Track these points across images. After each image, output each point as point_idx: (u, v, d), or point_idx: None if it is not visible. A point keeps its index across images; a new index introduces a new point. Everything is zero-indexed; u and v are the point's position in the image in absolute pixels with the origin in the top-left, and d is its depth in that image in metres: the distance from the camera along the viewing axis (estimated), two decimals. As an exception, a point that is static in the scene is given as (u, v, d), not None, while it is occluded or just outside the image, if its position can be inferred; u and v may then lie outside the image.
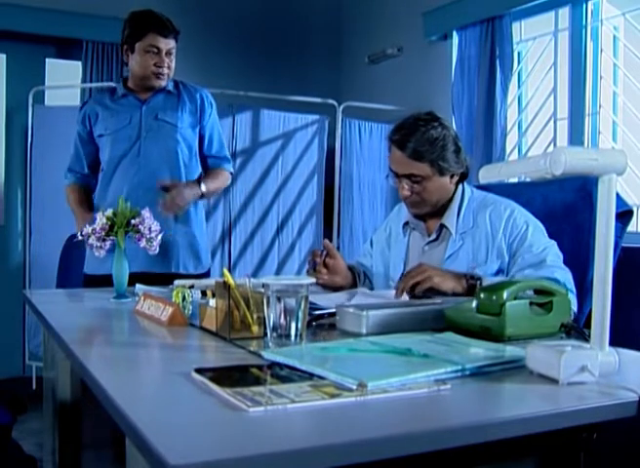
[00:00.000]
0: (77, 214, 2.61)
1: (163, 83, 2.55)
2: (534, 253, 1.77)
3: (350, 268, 2.05)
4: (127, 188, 2.48)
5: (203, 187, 2.54)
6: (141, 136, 2.52)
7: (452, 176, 1.91)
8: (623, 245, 1.91)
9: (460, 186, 1.95)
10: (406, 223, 2.04)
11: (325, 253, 1.96)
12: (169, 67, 2.53)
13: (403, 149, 1.86)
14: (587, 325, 1.16)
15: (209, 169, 2.68)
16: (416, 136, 1.84)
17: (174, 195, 2.44)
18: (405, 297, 1.66)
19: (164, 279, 2.16)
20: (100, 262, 2.34)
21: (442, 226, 1.93)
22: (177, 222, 2.55)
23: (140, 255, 2.33)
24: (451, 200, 1.93)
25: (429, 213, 1.95)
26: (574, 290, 1.71)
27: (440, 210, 1.93)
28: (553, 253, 1.78)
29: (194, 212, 2.62)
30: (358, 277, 2.07)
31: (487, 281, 1.68)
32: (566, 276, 1.73)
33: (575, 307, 1.66)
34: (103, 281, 2.24)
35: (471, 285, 1.68)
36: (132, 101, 2.57)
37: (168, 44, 2.50)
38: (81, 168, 2.65)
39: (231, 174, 2.75)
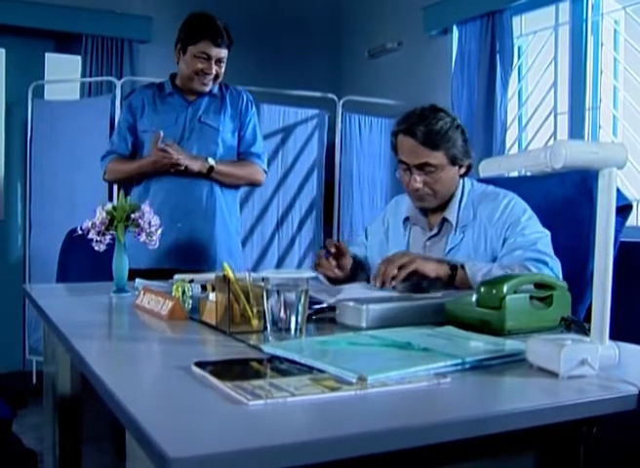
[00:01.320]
0: (136, 162, 2.58)
1: (207, 89, 2.58)
2: (525, 237, 1.78)
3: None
4: (167, 187, 2.52)
5: (211, 161, 2.53)
6: (184, 137, 2.55)
7: (460, 168, 1.90)
8: (623, 239, 1.91)
9: (461, 181, 1.95)
10: (406, 219, 2.03)
11: (334, 249, 1.94)
12: (217, 74, 2.56)
13: (414, 136, 1.83)
14: (587, 319, 1.16)
15: None
16: (425, 124, 1.82)
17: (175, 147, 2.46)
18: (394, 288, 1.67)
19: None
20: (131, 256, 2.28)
21: (444, 220, 1.93)
22: (213, 220, 2.58)
23: (175, 252, 2.39)
24: (453, 194, 1.93)
25: (435, 206, 1.94)
26: (560, 277, 1.72)
27: (442, 204, 1.93)
28: (545, 241, 1.79)
29: (228, 210, 2.64)
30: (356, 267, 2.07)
31: (469, 267, 1.70)
32: (555, 264, 1.74)
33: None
34: (140, 275, 2.14)
35: (452, 275, 1.71)
36: (178, 101, 2.61)
37: (219, 53, 2.52)
38: (126, 150, 2.62)
39: (265, 171, 2.72)
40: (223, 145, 2.61)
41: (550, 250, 1.78)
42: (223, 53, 2.54)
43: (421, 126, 1.82)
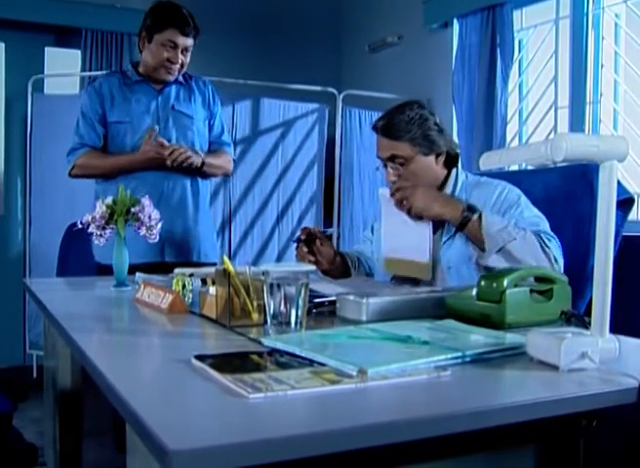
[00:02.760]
0: (124, 157, 2.50)
1: (172, 78, 2.54)
2: (525, 220, 1.79)
3: (342, 255, 2.06)
4: (152, 180, 2.48)
5: (202, 154, 2.53)
6: (160, 126, 2.51)
7: (437, 157, 1.91)
8: (624, 234, 1.91)
9: (454, 171, 1.95)
10: None
11: (309, 235, 1.99)
12: (182, 63, 2.52)
13: (383, 133, 1.89)
14: (588, 314, 1.16)
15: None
16: (394, 118, 1.87)
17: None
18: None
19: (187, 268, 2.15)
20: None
21: None
22: (197, 212, 2.58)
23: (163, 245, 2.43)
24: (444, 185, 1.93)
25: None
26: (561, 259, 1.74)
27: None
28: (545, 225, 1.80)
29: (206, 201, 2.65)
30: (352, 264, 2.08)
31: (488, 219, 1.70)
32: (558, 242, 1.76)
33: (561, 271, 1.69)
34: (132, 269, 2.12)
35: (466, 218, 1.72)
36: (147, 89, 2.56)
37: (186, 42, 2.48)
38: (98, 143, 2.53)
39: (233, 160, 2.74)
40: (198, 133, 2.59)
41: (551, 232, 1.79)
42: (190, 41, 2.49)
43: (391, 121, 1.88)
